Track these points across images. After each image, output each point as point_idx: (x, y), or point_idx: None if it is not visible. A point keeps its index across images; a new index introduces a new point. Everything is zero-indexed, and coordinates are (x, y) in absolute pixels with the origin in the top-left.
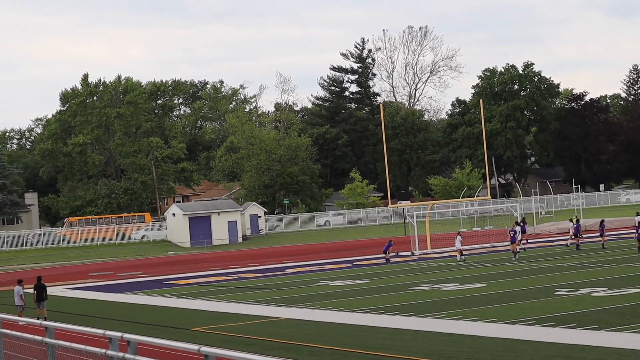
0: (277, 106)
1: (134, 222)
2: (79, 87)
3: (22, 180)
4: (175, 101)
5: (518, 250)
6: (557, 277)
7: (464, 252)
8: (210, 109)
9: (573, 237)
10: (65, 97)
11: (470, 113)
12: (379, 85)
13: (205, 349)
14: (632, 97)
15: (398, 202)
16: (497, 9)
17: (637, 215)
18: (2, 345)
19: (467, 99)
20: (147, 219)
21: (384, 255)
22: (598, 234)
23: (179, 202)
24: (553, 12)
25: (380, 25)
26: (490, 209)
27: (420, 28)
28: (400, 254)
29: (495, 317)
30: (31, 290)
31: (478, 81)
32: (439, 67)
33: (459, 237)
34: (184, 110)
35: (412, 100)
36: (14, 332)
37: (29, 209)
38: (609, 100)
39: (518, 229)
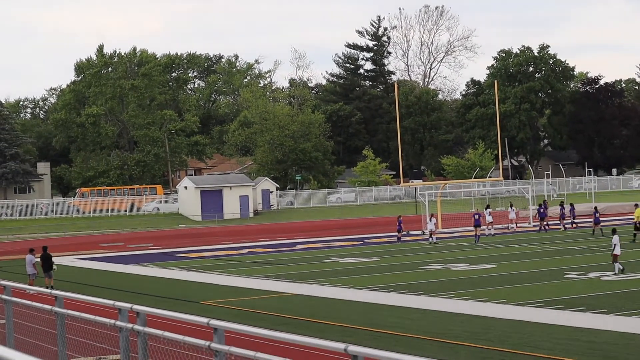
0: (292, 82)
1: (146, 194)
2: (94, 57)
3: (35, 150)
4: (190, 74)
5: (493, 233)
6: (568, 260)
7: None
8: (225, 83)
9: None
10: (79, 68)
11: (484, 94)
12: (393, 63)
13: (214, 322)
14: None
15: (410, 181)
16: None
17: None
18: (12, 314)
19: (482, 80)
20: (159, 191)
21: (397, 233)
22: (593, 220)
23: (191, 175)
24: None
25: (397, 3)
26: (502, 190)
27: (436, 7)
28: (411, 232)
29: (505, 298)
30: (39, 260)
31: (493, 62)
32: (454, 47)
33: (432, 219)
34: (198, 84)
35: (427, 80)
36: (23, 301)
37: (41, 178)
38: (623, 85)
39: (487, 211)
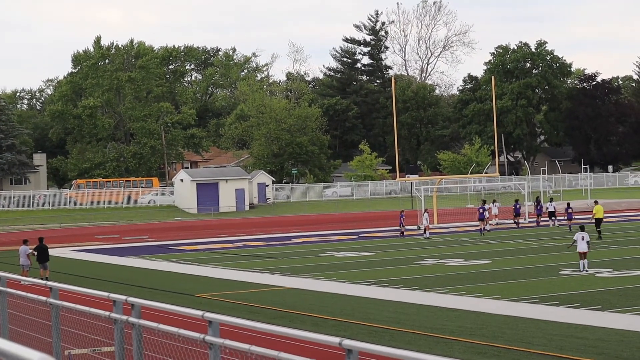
0: (289, 75)
1: (142, 187)
2: (92, 49)
3: (31, 141)
4: (187, 67)
5: (488, 229)
6: (563, 256)
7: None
8: (222, 76)
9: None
10: (77, 59)
11: (481, 89)
12: (391, 58)
13: (209, 315)
14: None
15: (406, 176)
16: None
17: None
18: (6, 305)
19: (479, 76)
20: (155, 183)
21: (399, 227)
22: (566, 217)
23: (187, 168)
24: None
25: None
26: (498, 186)
27: (434, 2)
28: (407, 227)
29: (499, 294)
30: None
31: (490, 58)
32: (451, 43)
33: (425, 214)
34: (195, 77)
35: (424, 75)
36: (18, 292)
37: (37, 169)
38: (620, 82)
39: (487, 206)
